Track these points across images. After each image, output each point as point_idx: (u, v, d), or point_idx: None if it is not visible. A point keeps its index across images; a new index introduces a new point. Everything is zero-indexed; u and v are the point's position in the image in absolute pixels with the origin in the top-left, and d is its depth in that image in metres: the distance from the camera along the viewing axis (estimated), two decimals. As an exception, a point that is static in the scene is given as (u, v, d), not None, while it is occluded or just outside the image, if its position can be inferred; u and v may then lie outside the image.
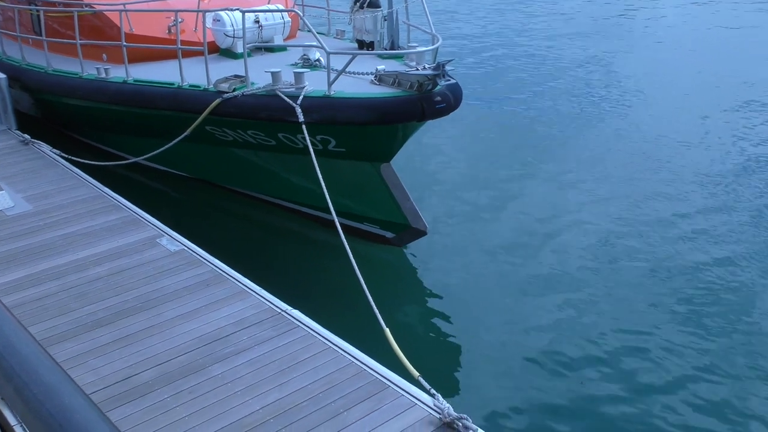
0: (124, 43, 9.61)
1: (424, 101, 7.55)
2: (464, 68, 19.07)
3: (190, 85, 8.94)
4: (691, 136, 14.31)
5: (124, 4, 10.25)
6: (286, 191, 9.92)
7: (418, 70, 7.78)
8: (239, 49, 9.75)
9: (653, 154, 13.34)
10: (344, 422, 4.83)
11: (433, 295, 8.89)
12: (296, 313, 6.13)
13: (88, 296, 6.49)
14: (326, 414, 4.91)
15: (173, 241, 7.56)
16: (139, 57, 10.28)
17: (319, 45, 7.88)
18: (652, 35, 24.61)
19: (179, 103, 8.96)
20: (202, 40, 8.81)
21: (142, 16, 10.56)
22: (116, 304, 6.34)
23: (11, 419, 3.93)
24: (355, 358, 5.51)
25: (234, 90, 8.34)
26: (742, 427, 6.61)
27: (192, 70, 8.96)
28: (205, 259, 7.13)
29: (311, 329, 5.89)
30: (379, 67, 8.13)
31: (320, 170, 7.34)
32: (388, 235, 9.37)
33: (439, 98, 7.61)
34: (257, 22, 10.12)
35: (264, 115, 8.24)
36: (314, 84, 7.98)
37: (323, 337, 5.78)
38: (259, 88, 8.16)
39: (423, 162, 12.88)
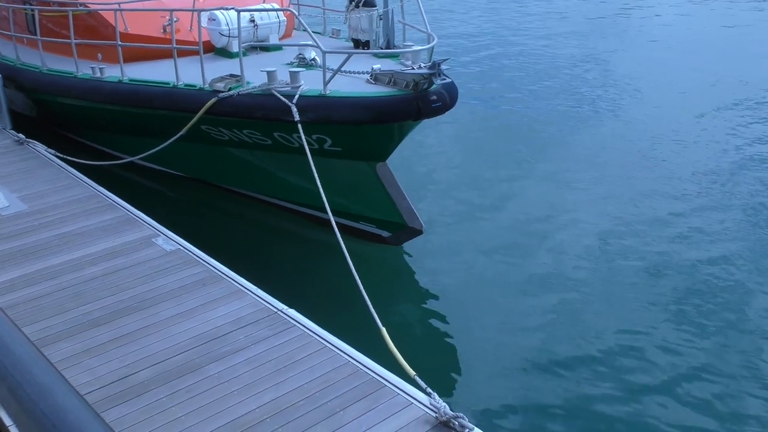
0: (119, 43, 9.59)
1: (420, 100, 7.54)
2: (460, 67, 19.07)
3: (186, 85, 8.92)
4: (686, 134, 14.34)
5: (119, 4, 10.22)
6: (282, 191, 9.92)
7: (413, 69, 7.78)
8: (235, 49, 9.73)
9: (649, 153, 13.37)
10: (340, 421, 4.82)
11: (430, 294, 8.89)
12: (292, 312, 6.12)
13: (84, 296, 6.47)
14: (322, 413, 4.90)
15: (169, 240, 7.54)
16: (135, 56, 10.27)
17: (315, 44, 7.87)
18: (647, 34, 24.66)
19: (175, 103, 8.95)
20: (197, 40, 8.80)
21: (137, 16, 10.53)
22: (112, 304, 6.32)
23: (6, 420, 3.92)
24: (351, 357, 5.50)
25: (229, 89, 8.33)
26: (738, 427, 6.62)
27: (187, 69, 8.95)
28: (200, 258, 7.12)
29: (307, 328, 5.88)
30: (375, 66, 8.13)
31: (316, 169, 7.33)
32: (385, 234, 9.37)
33: (434, 97, 7.61)
34: (252, 21, 10.10)
35: (260, 115, 8.23)
36: (310, 83, 7.97)
37: (319, 336, 5.78)
38: (255, 87, 8.16)
39: (419, 161, 12.88)
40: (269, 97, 7.97)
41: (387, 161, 8.51)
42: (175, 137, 8.95)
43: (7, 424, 4.02)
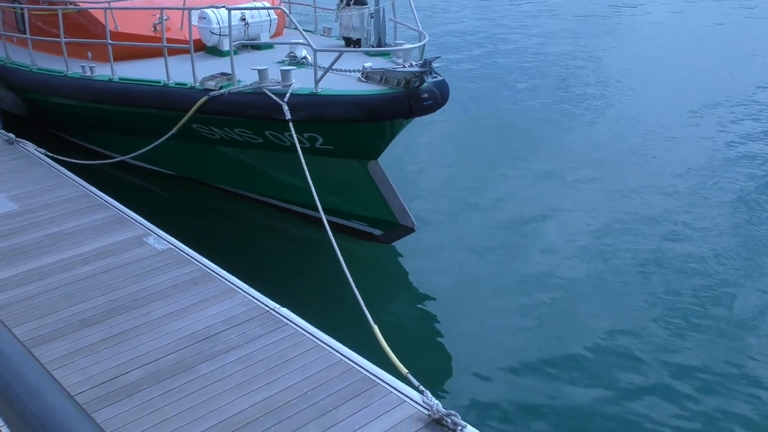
0: (110, 41, 9.55)
1: (411, 98, 7.55)
2: (451, 65, 19.08)
3: (177, 83, 8.90)
4: (678, 132, 14.39)
5: (108, 2, 10.18)
6: (273, 189, 9.90)
7: (405, 67, 7.78)
8: (225, 47, 9.72)
9: (641, 150, 13.41)
10: (333, 420, 4.82)
11: (422, 292, 8.90)
12: (285, 311, 6.12)
13: (75, 296, 6.45)
14: (315, 412, 4.90)
15: (160, 239, 7.52)
16: (125, 55, 10.23)
17: (306, 42, 7.86)
18: (638, 31, 24.72)
19: (165, 102, 8.92)
20: (188, 38, 8.77)
21: (127, 14, 10.50)
22: (103, 304, 6.30)
23: (-2, 420, 3.90)
24: (343, 355, 5.50)
25: (221, 88, 8.32)
26: (729, 426, 6.64)
27: (178, 68, 8.93)
28: (192, 257, 7.10)
29: (300, 327, 5.88)
30: (366, 65, 8.13)
31: (308, 168, 7.33)
32: (376, 232, 9.37)
33: (426, 95, 7.61)
34: (243, 19, 10.09)
35: (251, 113, 8.22)
36: (301, 81, 7.96)
37: (312, 335, 5.77)
38: (246, 85, 8.14)
39: (411, 159, 12.89)
40: (260, 96, 7.96)
41: (378, 159, 8.51)
42: (166, 136, 8.92)
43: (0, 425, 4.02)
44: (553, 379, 7.22)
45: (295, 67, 8.39)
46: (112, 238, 7.57)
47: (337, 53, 7.75)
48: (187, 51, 8.71)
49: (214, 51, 10.23)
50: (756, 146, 13.55)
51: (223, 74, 8.56)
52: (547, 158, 13.10)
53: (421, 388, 5.07)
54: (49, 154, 10.15)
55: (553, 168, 12.61)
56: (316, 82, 7.77)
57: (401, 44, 8.84)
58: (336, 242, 6.70)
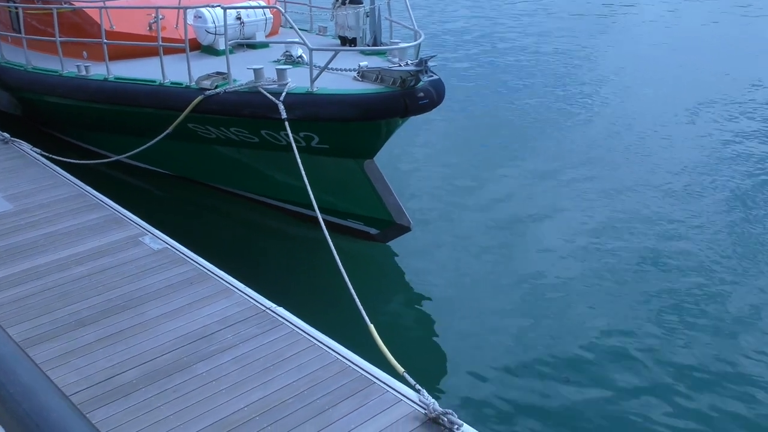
0: (105, 41, 9.53)
1: (407, 97, 7.55)
2: (447, 63, 19.08)
3: (172, 83, 8.88)
4: (674, 130, 14.41)
5: (104, 1, 10.17)
6: (269, 188, 9.90)
7: (400, 66, 7.78)
8: (221, 46, 9.70)
9: (636, 149, 13.44)
10: (330, 419, 4.82)
11: (418, 290, 8.90)
12: (281, 310, 6.12)
13: (71, 296, 6.44)
14: (311, 411, 4.90)
15: (156, 239, 7.51)
16: (120, 54, 10.21)
17: (302, 41, 7.85)
18: (634, 29, 24.75)
19: (161, 101, 8.91)
20: (183, 37, 8.76)
21: (122, 13, 10.47)
22: (99, 304, 6.29)
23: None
24: (339, 354, 5.50)
25: (216, 87, 8.31)
26: (725, 426, 6.65)
27: (173, 67, 8.91)
28: (188, 257, 7.09)
29: (296, 326, 5.88)
30: (362, 64, 8.12)
31: (304, 167, 7.32)
32: (372, 231, 9.37)
33: (422, 94, 7.61)
34: (239, 18, 10.07)
35: (247, 112, 8.21)
36: (297, 81, 7.95)
37: (308, 334, 5.77)
38: (242, 85, 8.13)
39: (407, 158, 12.89)
40: (256, 95, 7.95)
41: (374, 158, 8.50)
42: (162, 135, 8.91)
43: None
44: (548, 378, 7.22)
45: (290, 66, 8.38)
46: (107, 238, 7.55)
47: (333, 52, 7.75)
48: (182, 50, 8.69)
49: (210, 50, 10.22)
50: (752, 144, 13.59)
51: (218, 73, 8.55)
52: (543, 157, 13.11)
53: (418, 386, 5.07)
54: (44, 153, 10.12)
55: (549, 167, 12.62)
56: (312, 81, 7.77)
57: (397, 43, 8.83)
58: (332, 241, 6.70)
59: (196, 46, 10.04)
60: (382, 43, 9.39)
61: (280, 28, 11.81)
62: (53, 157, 10.01)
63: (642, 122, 14.84)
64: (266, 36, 10.66)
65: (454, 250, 9.76)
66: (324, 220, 7.00)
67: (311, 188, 7.18)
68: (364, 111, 7.66)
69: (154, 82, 9.06)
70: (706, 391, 7.04)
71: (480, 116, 15.61)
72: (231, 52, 8.41)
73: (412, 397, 5.00)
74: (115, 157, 10.11)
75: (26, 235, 7.70)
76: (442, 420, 4.73)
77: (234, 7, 9.79)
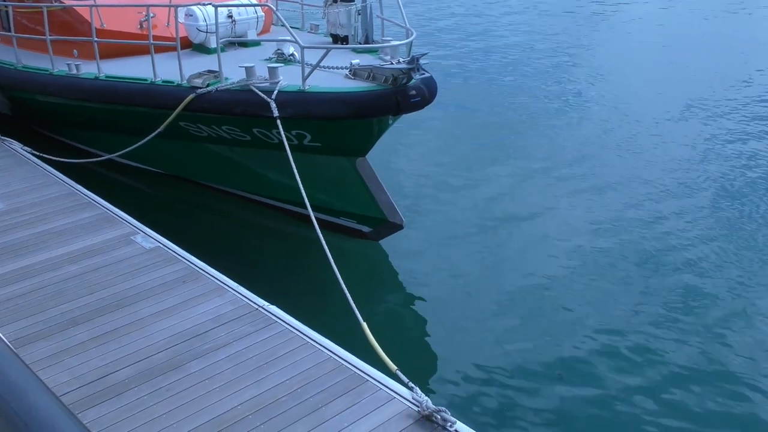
0: (95, 39, 9.50)
1: (399, 95, 7.55)
2: (439, 61, 19.09)
3: (163, 81, 8.86)
4: (665, 127, 14.48)
5: (94, -1, 10.14)
6: (261, 187, 9.89)
7: (392, 64, 7.78)
8: (212, 44, 9.68)
9: (628, 146, 13.48)
10: (323, 417, 4.83)
11: (410, 288, 8.91)
12: (274, 308, 6.12)
13: (63, 295, 6.42)
14: (305, 409, 4.91)
15: (148, 238, 7.50)
16: (111, 53, 10.17)
17: (293, 39, 7.84)
18: (625, 27, 24.82)
19: (152, 99, 8.88)
20: (174, 35, 8.73)
21: (112, 11, 10.44)
22: (91, 303, 6.28)
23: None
24: (333, 352, 5.51)
25: (208, 85, 8.29)
26: (721, 427, 6.68)
27: (165, 65, 8.89)
28: (180, 256, 7.09)
29: (289, 325, 5.88)
30: (354, 62, 8.12)
31: (296, 165, 7.32)
32: (365, 229, 9.37)
33: (414, 92, 7.61)
34: (230, 16, 10.05)
35: (238, 111, 8.20)
36: (289, 79, 7.94)
37: (301, 332, 5.78)
38: (233, 83, 8.12)
39: (399, 156, 12.89)
40: (248, 93, 7.94)
41: (367, 156, 8.51)
42: (154, 134, 8.88)
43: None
44: (541, 376, 7.25)
45: (282, 65, 8.37)
46: (99, 237, 7.54)
47: (325, 50, 7.75)
48: (173, 48, 8.66)
49: (201, 48, 10.19)
50: (743, 141, 13.65)
51: (210, 72, 8.53)
52: (535, 155, 13.14)
53: (411, 384, 5.08)
54: (35, 152, 10.09)
55: (542, 165, 12.65)
56: (304, 79, 7.76)
57: (389, 41, 8.83)
58: (324, 239, 6.70)
59: (187, 44, 10.01)
60: (373, 41, 9.39)
61: (272, 26, 11.78)
62: (44, 156, 9.98)
63: (634, 119, 14.89)
64: (258, 34, 10.65)
65: (446, 248, 9.78)
66: (316, 218, 6.99)
67: (303, 186, 7.18)
68: (356, 109, 7.66)
69: (146, 80, 9.03)
70: (700, 389, 7.07)
71: (472, 114, 15.63)
72: (222, 50, 8.40)
73: (405, 395, 5.01)
74: (107, 156, 10.08)
75: (18, 234, 7.67)
76: (436, 417, 4.74)
77: (225, 5, 9.77)
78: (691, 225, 10.31)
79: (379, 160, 9.46)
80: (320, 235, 6.72)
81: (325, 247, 6.59)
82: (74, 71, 9.91)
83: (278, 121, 7.64)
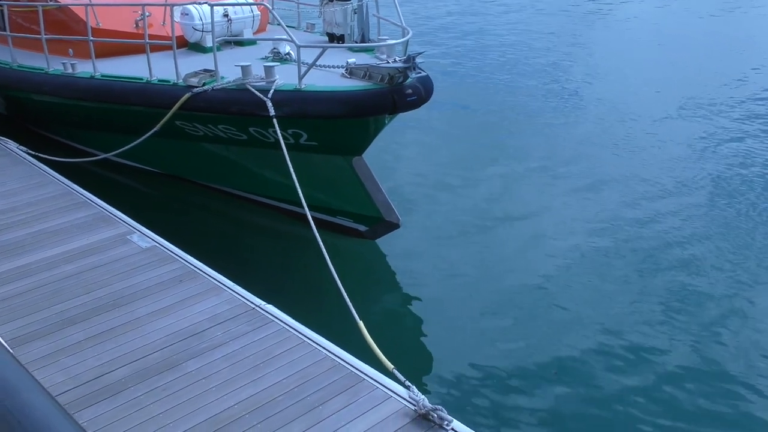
0: (91, 38, 9.48)
1: (396, 94, 7.54)
2: (435, 60, 19.08)
3: (159, 80, 8.85)
4: (663, 126, 14.49)
5: (90, -2, 10.12)
6: (258, 186, 9.88)
7: (388, 62, 7.78)
8: (208, 43, 9.67)
9: (625, 145, 13.49)
10: (320, 416, 4.83)
11: (407, 287, 8.91)
12: (270, 307, 6.12)
13: (59, 294, 6.41)
14: (302, 408, 4.91)
15: (144, 237, 7.49)
16: (107, 52, 10.16)
17: (289, 38, 7.84)
18: (622, 25, 24.84)
19: (148, 99, 8.87)
20: (170, 34, 8.72)
21: (108, 10, 10.42)
22: (88, 302, 6.27)
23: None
24: (329, 351, 5.51)
25: (204, 84, 8.28)
26: (720, 427, 6.69)
27: (160, 64, 8.87)
28: (177, 255, 7.08)
29: (286, 324, 5.88)
30: (350, 60, 8.11)
31: (292, 164, 7.31)
32: (362, 228, 9.37)
33: (410, 91, 7.61)
34: (226, 15, 10.04)
35: (235, 110, 8.19)
36: (285, 78, 7.94)
37: (298, 331, 5.78)
38: (229, 82, 8.11)
39: (395, 155, 12.89)
40: (244, 92, 7.93)
41: (363, 155, 8.50)
42: (150, 133, 8.87)
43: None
44: (537, 375, 7.25)
45: (278, 63, 8.36)
46: (95, 236, 7.53)
47: (321, 49, 7.74)
48: (169, 47, 8.65)
49: (197, 47, 10.18)
50: (740, 139, 13.66)
51: (206, 71, 8.52)
52: (532, 154, 13.14)
53: (407, 383, 5.09)
54: (31, 152, 10.07)
55: (539, 164, 12.65)
56: (300, 78, 7.75)
57: (385, 40, 8.83)
58: (321, 238, 6.70)
59: (183, 43, 10.00)
60: (370, 40, 9.39)
61: (268, 25, 11.78)
62: (40, 155, 9.96)
63: (630, 118, 14.91)
64: (254, 33, 10.64)
65: (443, 247, 9.78)
66: (313, 217, 6.99)
67: (300, 185, 7.17)
68: (352, 108, 7.66)
69: (141, 79, 9.02)
70: (695, 388, 7.07)
71: (468, 113, 15.63)
72: (218, 49, 8.39)
73: (402, 394, 5.01)
74: (103, 155, 10.06)
75: (14, 233, 7.66)
76: (432, 416, 4.74)
77: (221, 4, 9.76)
78: (688, 224, 10.33)
79: (376, 159, 9.46)
80: (317, 234, 6.71)
81: (322, 246, 6.59)
82: (70, 70, 9.89)
83: (274, 120, 7.63)
